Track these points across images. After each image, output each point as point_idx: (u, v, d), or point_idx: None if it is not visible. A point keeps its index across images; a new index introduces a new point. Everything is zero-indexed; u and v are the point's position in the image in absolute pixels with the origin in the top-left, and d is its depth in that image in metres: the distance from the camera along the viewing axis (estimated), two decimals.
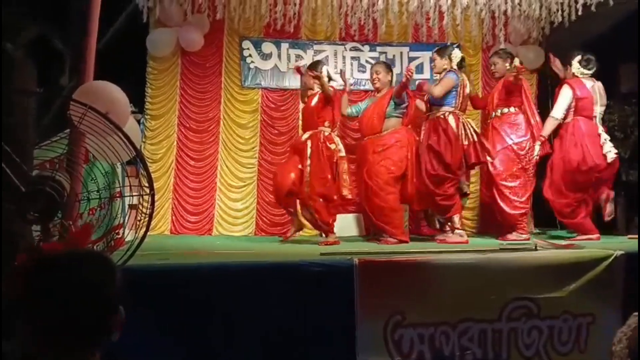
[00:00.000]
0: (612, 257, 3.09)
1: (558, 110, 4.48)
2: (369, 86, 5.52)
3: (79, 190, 2.11)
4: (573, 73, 4.49)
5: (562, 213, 4.52)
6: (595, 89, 4.44)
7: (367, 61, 5.55)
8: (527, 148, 4.49)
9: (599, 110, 4.44)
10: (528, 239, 4.17)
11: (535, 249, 3.39)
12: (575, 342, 3.03)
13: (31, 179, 1.96)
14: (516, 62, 4.57)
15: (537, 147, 4.46)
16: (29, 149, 2.64)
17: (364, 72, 5.55)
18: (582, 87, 4.42)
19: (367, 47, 5.56)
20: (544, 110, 5.66)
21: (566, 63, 4.53)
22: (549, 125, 4.51)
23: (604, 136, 4.38)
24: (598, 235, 4.31)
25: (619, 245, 3.67)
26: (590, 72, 4.45)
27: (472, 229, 5.52)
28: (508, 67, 4.78)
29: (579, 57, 4.45)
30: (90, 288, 1.05)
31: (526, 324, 2.97)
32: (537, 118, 4.64)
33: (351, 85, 5.51)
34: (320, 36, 5.50)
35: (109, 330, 1.09)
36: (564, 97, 4.45)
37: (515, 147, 4.50)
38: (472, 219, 5.57)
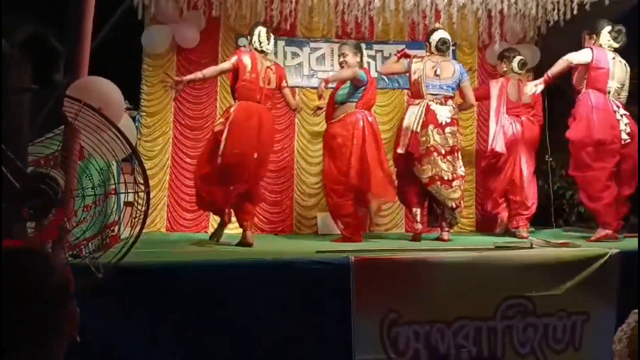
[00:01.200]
0: (607, 256, 3.10)
1: (572, 55, 4.20)
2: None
3: (74, 187, 2.10)
4: (600, 44, 4.19)
5: (587, 191, 4.15)
6: (616, 63, 4.16)
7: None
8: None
9: (614, 85, 4.14)
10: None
11: (531, 247, 3.40)
12: (570, 340, 3.04)
13: (26, 176, 1.95)
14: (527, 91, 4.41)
15: (532, 87, 4.26)
16: (23, 146, 2.63)
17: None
18: (603, 57, 4.14)
19: (363, 45, 5.52)
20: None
21: (593, 32, 4.24)
22: (558, 66, 4.25)
23: (621, 111, 4.10)
24: (612, 232, 3.97)
25: (614, 243, 3.69)
26: (619, 45, 4.18)
27: (469, 227, 5.54)
28: (505, 69, 4.83)
29: (609, 28, 4.17)
30: (21, 286, 1.02)
31: (521, 322, 2.97)
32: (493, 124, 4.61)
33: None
34: (317, 34, 5.50)
35: (51, 327, 1.05)
36: (581, 54, 4.18)
37: None
38: (468, 217, 5.59)
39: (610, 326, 3.01)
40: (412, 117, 4.24)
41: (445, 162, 4.21)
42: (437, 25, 4.67)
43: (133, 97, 5.04)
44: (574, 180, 4.61)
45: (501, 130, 4.59)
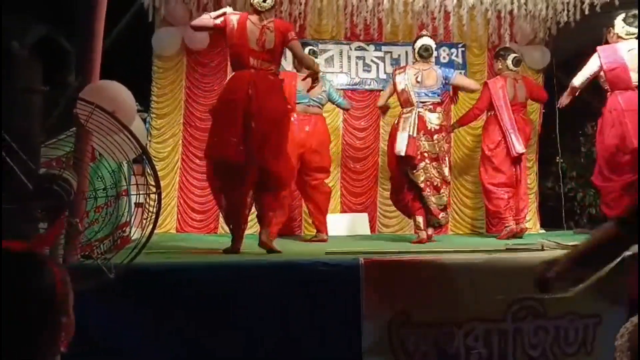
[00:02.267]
0: (619, 258, 3.07)
1: (577, 78, 4.16)
2: (374, 85, 5.54)
3: (86, 189, 2.12)
4: (617, 34, 4.02)
5: (607, 202, 4.09)
6: (634, 53, 3.90)
7: (372, 60, 5.56)
8: None
9: (635, 77, 3.89)
10: None
11: (542, 249, 3.38)
12: (581, 343, 3.01)
13: (38, 177, 1.96)
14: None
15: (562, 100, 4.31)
16: (36, 147, 2.65)
17: (369, 71, 5.56)
18: (613, 53, 3.96)
19: (372, 47, 5.57)
20: (550, 111, 5.66)
21: (610, 25, 4.10)
22: (566, 93, 4.28)
23: None
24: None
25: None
26: (635, 34, 3.92)
27: (479, 229, 5.52)
28: (500, 67, 4.88)
29: (622, 15, 3.99)
30: (21, 293, 1.00)
31: (532, 324, 2.95)
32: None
33: (356, 84, 5.53)
34: (326, 36, 5.51)
35: (48, 337, 1.05)
36: (589, 65, 4.09)
37: None
38: (479, 219, 5.57)
39: None
40: (407, 123, 4.29)
41: (434, 169, 4.27)
42: (423, 32, 4.69)
43: (143, 99, 5.08)
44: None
45: (515, 129, 4.59)
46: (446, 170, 4.36)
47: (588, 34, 4.28)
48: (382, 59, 5.54)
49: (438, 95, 4.43)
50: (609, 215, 4.15)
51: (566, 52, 5.35)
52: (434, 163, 4.28)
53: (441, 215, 4.32)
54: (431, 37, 4.61)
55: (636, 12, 3.99)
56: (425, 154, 4.26)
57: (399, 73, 4.51)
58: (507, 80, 4.75)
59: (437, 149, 4.30)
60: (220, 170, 3.35)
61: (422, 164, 4.26)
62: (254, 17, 3.42)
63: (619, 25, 4.03)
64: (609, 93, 4.06)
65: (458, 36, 5.61)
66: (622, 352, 1.41)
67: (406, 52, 5.57)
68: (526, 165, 4.98)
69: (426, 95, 4.36)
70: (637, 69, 3.88)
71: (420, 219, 4.35)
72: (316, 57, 4.67)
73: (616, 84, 3.98)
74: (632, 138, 3.82)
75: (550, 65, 5.62)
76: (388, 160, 4.63)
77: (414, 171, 4.27)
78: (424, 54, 4.45)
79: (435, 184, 4.28)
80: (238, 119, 3.22)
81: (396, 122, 4.45)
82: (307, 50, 4.40)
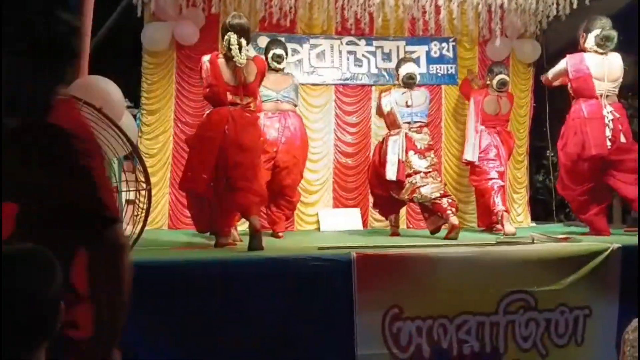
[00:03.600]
0: (609, 250, 3.10)
1: (550, 72, 4.42)
2: (365, 80, 5.55)
3: None
4: (586, 47, 4.10)
5: (574, 207, 4.36)
6: (604, 63, 4.02)
7: (363, 55, 5.55)
8: None
9: (605, 87, 4.00)
10: None
11: (533, 242, 3.40)
12: (572, 335, 3.04)
13: None
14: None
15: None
16: None
17: (360, 66, 5.55)
18: (579, 62, 4.06)
19: (363, 41, 5.56)
20: (541, 104, 5.69)
21: (585, 31, 4.11)
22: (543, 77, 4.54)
23: (610, 116, 3.93)
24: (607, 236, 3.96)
25: (616, 238, 3.69)
26: (604, 52, 4.04)
27: (470, 223, 5.54)
28: (487, 83, 5.03)
29: (597, 32, 4.03)
30: (22, 288, 1.00)
31: (523, 316, 2.97)
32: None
33: (347, 79, 5.53)
34: (317, 30, 5.49)
35: (48, 329, 1.04)
36: (558, 66, 4.26)
37: None
38: (469, 213, 5.59)
39: (613, 321, 3.02)
40: (396, 146, 4.33)
41: (426, 178, 4.24)
42: (406, 55, 4.71)
43: (133, 95, 5.04)
44: None
45: (477, 141, 4.82)
46: (439, 178, 4.42)
47: (578, 27, 4.29)
48: (374, 54, 5.54)
49: (425, 116, 4.51)
50: (581, 219, 4.32)
51: (556, 45, 5.37)
52: (430, 174, 4.26)
53: (443, 201, 4.19)
54: (414, 62, 4.66)
55: (610, 33, 4.02)
56: (414, 172, 4.24)
57: (385, 96, 4.56)
58: (489, 97, 4.94)
59: (431, 162, 4.34)
60: (195, 198, 3.56)
61: (409, 179, 4.25)
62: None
63: (591, 40, 4.09)
64: (573, 100, 4.17)
65: (449, 30, 5.61)
66: (633, 347, 1.41)
67: (397, 47, 5.58)
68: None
69: (415, 115, 4.43)
70: (602, 79, 3.99)
71: (392, 217, 4.58)
72: (285, 58, 4.61)
73: (580, 92, 4.08)
74: (591, 147, 3.94)
75: (541, 59, 5.65)
76: (370, 175, 4.68)
77: (399, 191, 4.31)
78: (409, 82, 4.49)
79: (422, 184, 4.22)
80: (212, 156, 3.36)
81: (383, 142, 4.51)
82: (273, 52, 4.45)
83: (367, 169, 4.91)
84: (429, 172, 4.27)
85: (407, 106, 4.40)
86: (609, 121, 3.93)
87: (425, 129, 4.46)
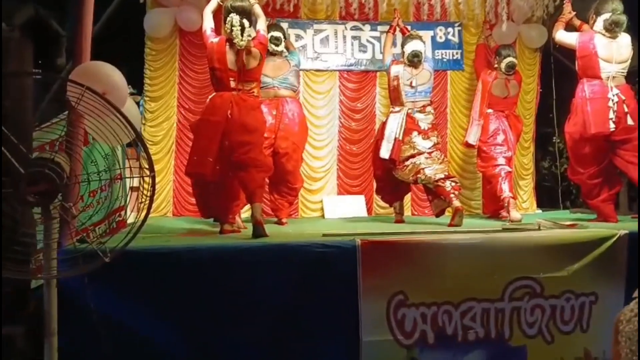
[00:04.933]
0: (616, 237, 3.08)
1: (561, 33, 4.28)
2: (370, 66, 5.49)
3: (79, 172, 2.09)
4: (594, 29, 4.08)
5: (583, 192, 4.29)
6: (612, 45, 4.00)
7: (368, 41, 5.49)
8: None
9: (613, 69, 3.97)
10: None
11: (539, 229, 3.38)
12: (577, 322, 3.03)
13: (30, 161, 1.93)
14: None
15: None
16: (27, 131, 2.62)
17: (365, 52, 5.49)
18: (588, 41, 4.04)
19: (367, 27, 5.49)
20: (548, 90, 5.63)
21: (595, 14, 4.09)
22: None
23: (615, 99, 3.90)
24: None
25: (622, 224, 3.67)
26: (612, 36, 4.01)
27: (475, 209, 5.52)
28: (496, 65, 4.96)
29: (606, 16, 4.00)
30: None
31: (529, 303, 2.97)
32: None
33: (351, 65, 5.47)
34: (320, 15, 5.43)
35: None
36: (570, 36, 4.18)
37: None
38: (475, 199, 5.57)
39: (619, 307, 2.97)
40: (394, 124, 4.29)
41: (430, 158, 4.22)
42: (412, 32, 4.64)
43: (136, 82, 5.01)
44: None
45: (481, 125, 4.80)
46: (442, 157, 4.35)
47: (585, 12, 4.22)
48: (378, 39, 5.47)
49: (429, 94, 4.46)
50: (589, 205, 4.29)
51: (565, 30, 5.29)
52: (433, 154, 4.23)
53: (444, 184, 4.17)
54: (420, 38, 4.54)
55: (619, 18, 3.98)
56: (418, 152, 4.21)
57: (396, 64, 4.48)
58: (498, 80, 4.88)
59: (436, 141, 4.30)
60: (200, 184, 3.55)
61: (413, 160, 4.22)
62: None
63: (599, 24, 4.06)
64: (580, 80, 4.15)
65: (455, 15, 5.54)
66: (629, 340, 1.38)
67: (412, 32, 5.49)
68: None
69: (419, 94, 4.38)
70: (610, 60, 3.97)
71: (397, 204, 4.62)
72: (284, 39, 4.61)
73: (584, 71, 4.07)
74: (591, 125, 3.93)
75: (548, 43, 5.57)
76: (373, 157, 4.66)
77: (401, 170, 4.28)
78: (414, 60, 4.40)
79: (426, 165, 4.20)
80: (216, 139, 3.36)
81: (385, 120, 4.47)
82: (271, 34, 4.37)
83: (371, 151, 4.89)
84: (432, 152, 4.24)
85: (412, 87, 4.36)
86: (613, 103, 3.92)
87: (428, 108, 4.40)
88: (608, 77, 3.99)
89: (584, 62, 4.08)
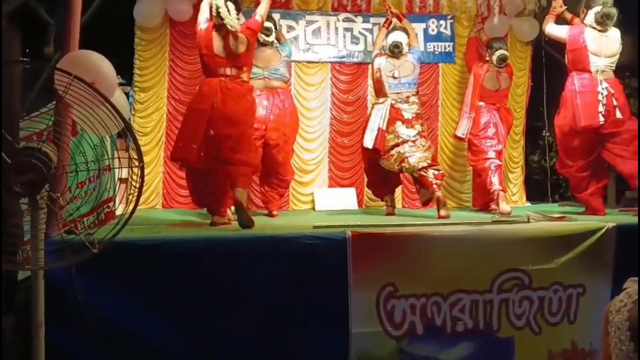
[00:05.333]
0: (604, 229, 3.11)
1: (550, 26, 4.32)
2: (362, 58, 5.47)
3: (67, 162, 2.07)
4: (584, 23, 4.11)
5: (572, 185, 4.34)
6: (602, 39, 4.03)
7: (360, 32, 5.47)
8: None
9: (602, 62, 4.02)
10: None
11: (528, 222, 3.40)
12: (565, 313, 3.06)
13: (17, 151, 1.91)
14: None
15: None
16: (14, 120, 2.58)
17: (357, 43, 5.47)
18: (578, 34, 4.08)
19: (360, 18, 5.47)
20: (539, 83, 5.65)
21: (586, 7, 4.12)
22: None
23: (605, 92, 3.94)
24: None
25: (610, 217, 3.70)
26: (603, 29, 4.05)
27: (466, 202, 5.55)
28: (487, 58, 4.96)
29: (597, 9, 4.03)
30: None
31: (517, 294, 3.00)
32: None
33: (343, 57, 5.46)
34: (313, 6, 5.40)
35: None
36: (560, 29, 4.23)
37: None
38: (465, 192, 5.59)
39: (606, 299, 3.02)
40: (378, 115, 4.32)
41: (414, 146, 4.23)
42: (396, 24, 4.62)
43: (126, 72, 4.97)
44: None
45: (471, 118, 4.82)
46: (428, 144, 4.34)
47: (577, 5, 4.24)
48: (371, 31, 5.45)
49: (414, 85, 4.45)
50: (578, 198, 4.33)
51: (555, 23, 5.31)
52: (417, 142, 4.23)
53: (428, 173, 4.21)
54: (404, 31, 4.53)
55: (610, 11, 4.00)
56: (402, 141, 4.23)
57: (379, 56, 4.50)
58: (489, 73, 4.89)
59: (420, 129, 4.31)
60: (192, 176, 3.58)
61: (397, 149, 4.23)
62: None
63: (590, 17, 4.09)
64: (569, 73, 4.18)
65: (447, 7, 5.54)
66: (619, 330, 1.39)
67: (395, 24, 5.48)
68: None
69: (402, 86, 4.38)
70: (599, 54, 4.01)
71: (388, 198, 4.63)
72: (275, 30, 4.59)
73: (574, 64, 4.11)
74: (581, 118, 3.96)
75: (539, 37, 5.58)
76: (361, 149, 4.64)
77: (386, 159, 4.28)
78: (395, 50, 4.41)
79: (410, 154, 4.21)
80: (201, 127, 3.37)
81: (370, 111, 4.49)
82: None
83: (361, 144, 4.89)
84: (417, 140, 4.25)
85: (394, 77, 4.37)
86: (602, 97, 3.96)
87: (412, 98, 4.40)
88: (597, 71, 4.03)
89: (573, 56, 4.11)
